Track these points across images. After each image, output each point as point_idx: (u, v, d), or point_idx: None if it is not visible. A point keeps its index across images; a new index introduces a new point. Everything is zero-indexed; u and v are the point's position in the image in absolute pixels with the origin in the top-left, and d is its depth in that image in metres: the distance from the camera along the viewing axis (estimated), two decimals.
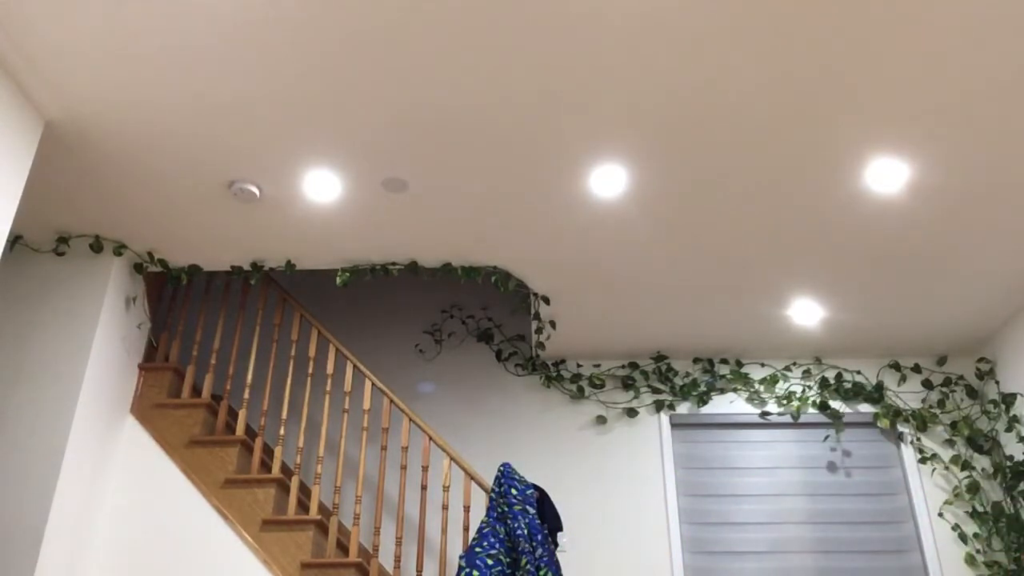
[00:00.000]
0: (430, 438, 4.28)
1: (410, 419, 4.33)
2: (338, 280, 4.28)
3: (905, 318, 4.74)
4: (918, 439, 4.89)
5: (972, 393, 4.98)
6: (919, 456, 4.84)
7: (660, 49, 3.00)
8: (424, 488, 4.19)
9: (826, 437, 4.98)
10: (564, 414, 5.10)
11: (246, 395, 4.41)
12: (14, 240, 4.18)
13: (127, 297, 4.34)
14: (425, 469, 4.23)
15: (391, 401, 4.37)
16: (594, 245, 4.14)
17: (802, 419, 5.02)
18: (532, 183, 3.71)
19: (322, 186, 3.75)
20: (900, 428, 4.95)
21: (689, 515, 4.81)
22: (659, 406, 5.07)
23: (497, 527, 3.83)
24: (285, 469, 4.79)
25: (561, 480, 4.88)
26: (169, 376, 4.42)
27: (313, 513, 4.08)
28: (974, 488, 4.66)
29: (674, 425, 5.07)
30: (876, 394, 4.99)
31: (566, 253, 4.21)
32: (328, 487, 4.94)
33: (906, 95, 3.18)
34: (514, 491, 3.92)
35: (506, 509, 3.86)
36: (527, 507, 3.87)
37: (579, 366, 5.24)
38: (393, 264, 4.38)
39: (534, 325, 4.82)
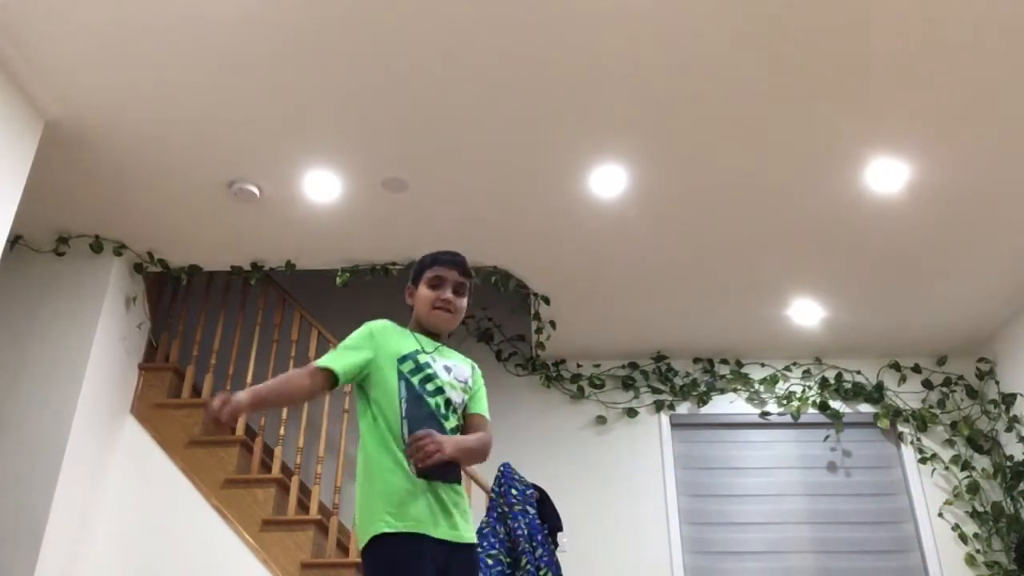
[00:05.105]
0: None
1: None
2: (338, 280, 4.28)
3: (905, 318, 4.73)
4: (918, 439, 4.88)
5: (972, 393, 4.97)
6: (919, 456, 4.83)
7: (660, 49, 3.00)
8: None
9: (826, 437, 4.97)
10: (564, 414, 5.09)
11: None
12: (14, 240, 4.17)
13: (127, 297, 4.33)
14: None
15: None
16: (594, 245, 4.13)
17: (802, 419, 5.01)
18: (532, 183, 3.71)
19: (322, 186, 3.75)
20: (900, 428, 4.94)
21: (689, 515, 4.80)
22: (659, 406, 5.06)
23: (497, 527, 3.83)
24: (285, 469, 4.77)
25: (561, 480, 4.87)
26: (169, 376, 4.42)
27: (313, 513, 4.08)
28: (974, 488, 4.65)
29: (674, 425, 5.07)
30: (876, 394, 4.99)
31: (566, 253, 4.21)
32: (328, 487, 4.93)
33: (907, 95, 3.18)
34: (514, 491, 3.92)
35: (506, 509, 3.85)
36: (527, 507, 3.86)
37: (579, 366, 5.23)
38: (393, 264, 4.37)
39: (534, 325, 4.82)
